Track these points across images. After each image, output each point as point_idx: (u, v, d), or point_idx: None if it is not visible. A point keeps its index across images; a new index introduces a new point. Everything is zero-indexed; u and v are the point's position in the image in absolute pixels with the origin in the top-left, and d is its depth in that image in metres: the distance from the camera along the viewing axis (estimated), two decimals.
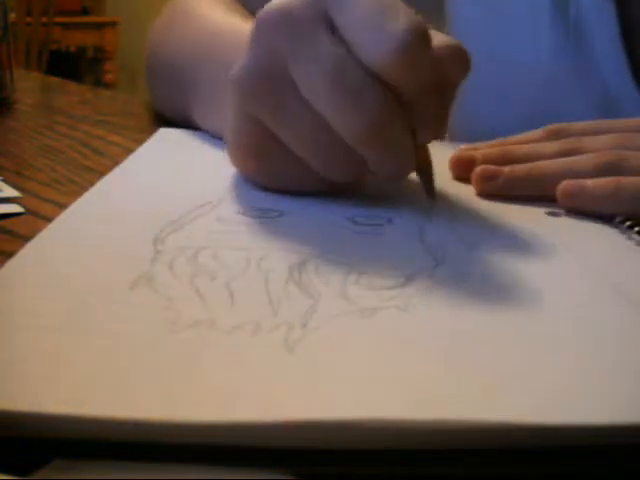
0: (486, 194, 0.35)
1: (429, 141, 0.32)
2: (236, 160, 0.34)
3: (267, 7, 0.30)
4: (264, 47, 0.30)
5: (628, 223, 0.31)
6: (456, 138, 0.46)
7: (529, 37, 0.53)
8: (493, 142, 0.40)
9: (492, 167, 0.36)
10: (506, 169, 0.35)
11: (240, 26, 0.43)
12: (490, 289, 0.25)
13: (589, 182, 0.33)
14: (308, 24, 0.28)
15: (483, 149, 0.38)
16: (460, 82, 0.32)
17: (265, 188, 0.34)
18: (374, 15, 0.27)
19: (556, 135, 0.38)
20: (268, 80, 0.30)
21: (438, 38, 0.31)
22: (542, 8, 0.52)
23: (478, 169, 0.36)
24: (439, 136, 0.32)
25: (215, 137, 0.43)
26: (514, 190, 0.35)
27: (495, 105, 0.52)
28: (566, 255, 0.28)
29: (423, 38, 0.27)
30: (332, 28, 0.28)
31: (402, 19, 0.27)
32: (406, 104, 0.29)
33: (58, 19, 2.79)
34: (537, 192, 0.35)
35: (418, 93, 0.29)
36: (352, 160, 0.30)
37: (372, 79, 0.27)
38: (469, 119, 0.54)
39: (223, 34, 0.43)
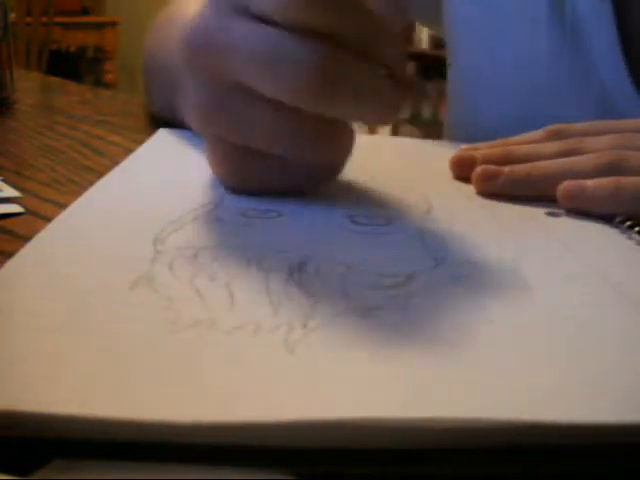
0: (486, 194, 0.35)
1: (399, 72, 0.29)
2: (213, 173, 0.34)
3: (184, 37, 0.30)
4: (199, 79, 0.30)
5: (628, 223, 0.31)
6: (455, 138, 0.46)
7: (526, 37, 0.53)
8: (494, 142, 0.40)
9: (492, 167, 0.36)
10: (506, 169, 0.35)
11: None
12: (490, 289, 0.25)
13: (589, 182, 0.33)
14: (225, 27, 0.28)
15: (483, 149, 0.39)
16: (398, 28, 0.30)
17: (241, 192, 0.34)
18: None
19: (557, 135, 0.38)
20: (214, 104, 0.30)
21: None
22: (539, 8, 0.52)
23: (478, 169, 0.36)
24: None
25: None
26: (514, 190, 0.35)
27: (494, 105, 0.52)
28: (566, 255, 0.28)
29: None
30: (250, 15, 0.28)
31: None
32: (345, 49, 0.27)
33: (58, 19, 2.79)
34: (537, 192, 0.35)
35: (355, 32, 0.28)
36: (324, 136, 0.29)
37: (293, 39, 0.27)
38: (468, 119, 0.54)
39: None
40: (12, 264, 0.24)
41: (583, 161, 0.34)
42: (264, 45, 0.27)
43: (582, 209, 0.33)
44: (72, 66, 3.22)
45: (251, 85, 0.28)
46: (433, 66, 2.85)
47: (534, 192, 0.35)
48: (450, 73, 0.62)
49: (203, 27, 0.29)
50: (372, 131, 3.22)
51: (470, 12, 0.57)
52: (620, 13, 0.49)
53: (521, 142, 0.39)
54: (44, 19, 2.62)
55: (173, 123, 0.50)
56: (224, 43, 0.28)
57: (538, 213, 0.33)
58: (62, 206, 0.32)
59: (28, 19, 2.57)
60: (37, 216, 0.32)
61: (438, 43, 2.80)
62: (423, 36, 3.03)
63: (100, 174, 0.36)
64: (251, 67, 0.28)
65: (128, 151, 0.42)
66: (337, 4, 0.27)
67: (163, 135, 0.47)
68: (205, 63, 0.29)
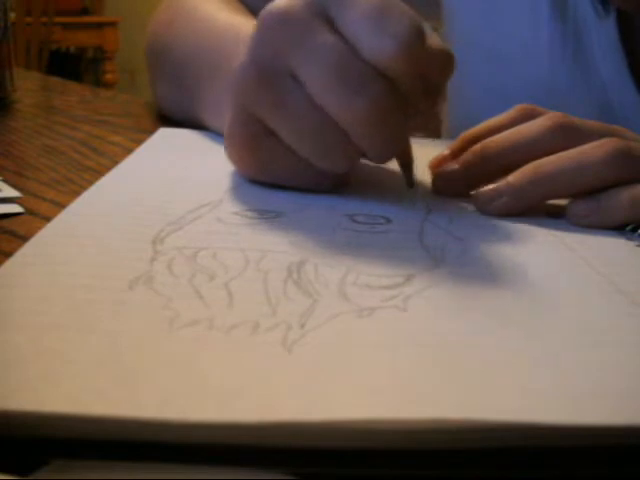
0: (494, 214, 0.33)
1: (418, 126, 0.34)
2: (231, 152, 0.35)
3: (269, 7, 0.31)
4: (265, 46, 0.31)
5: (630, 227, 0.31)
6: (455, 136, 0.46)
7: (527, 36, 0.53)
8: (465, 137, 0.38)
9: (491, 188, 0.33)
10: (507, 182, 0.33)
11: (241, 24, 0.43)
12: (489, 289, 0.25)
13: (602, 200, 0.32)
14: (309, 23, 0.29)
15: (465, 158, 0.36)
16: (445, 86, 0.34)
17: (256, 181, 0.35)
18: (375, 13, 0.29)
19: (530, 114, 0.36)
20: (267, 77, 0.31)
21: (430, 40, 0.32)
22: (540, 8, 0.52)
23: (477, 193, 0.34)
24: (429, 128, 0.35)
25: (219, 135, 0.44)
26: (522, 207, 0.33)
27: (494, 104, 0.52)
28: (566, 255, 0.28)
29: (421, 36, 0.29)
30: (333, 27, 0.30)
31: (403, 18, 0.28)
32: (402, 95, 0.31)
33: (58, 19, 2.79)
34: (547, 199, 0.34)
35: (416, 89, 0.31)
36: (350, 150, 0.31)
37: (372, 71, 0.29)
38: (467, 118, 0.54)
39: (224, 32, 0.44)
40: (12, 264, 0.24)
41: (590, 151, 0.32)
42: (334, 58, 0.29)
43: (596, 226, 0.32)
44: (72, 66, 3.22)
45: (312, 90, 0.30)
46: None
47: (542, 201, 0.34)
48: None
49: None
50: None
51: (470, 10, 0.57)
52: (622, 17, 0.49)
53: (495, 128, 0.36)
54: (44, 19, 2.62)
55: (175, 120, 0.51)
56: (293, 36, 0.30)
57: (538, 213, 0.33)
58: (62, 206, 0.32)
59: (28, 19, 2.57)
60: (37, 216, 0.32)
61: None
62: None
63: (100, 174, 0.36)
64: (322, 77, 0.29)
65: (128, 151, 0.42)
66: (420, 62, 0.30)
67: (163, 135, 0.47)
68: (275, 37, 0.30)
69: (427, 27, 0.32)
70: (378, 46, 0.28)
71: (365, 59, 0.29)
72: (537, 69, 0.53)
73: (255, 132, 0.32)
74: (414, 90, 0.31)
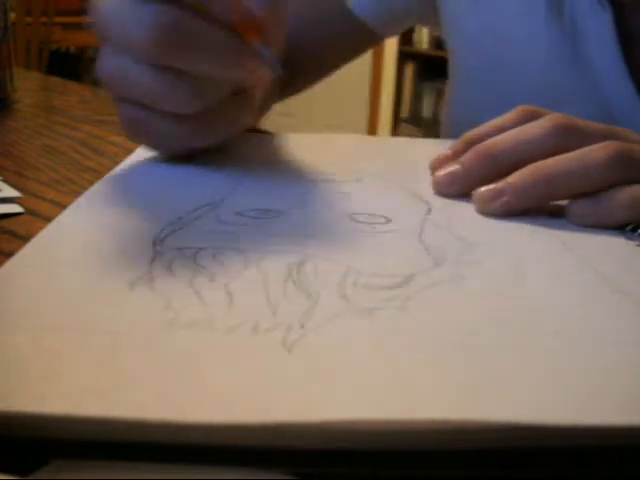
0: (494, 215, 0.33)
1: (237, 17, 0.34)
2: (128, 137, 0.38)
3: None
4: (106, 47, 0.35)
5: (630, 227, 0.31)
6: (455, 137, 0.46)
7: (525, 39, 0.53)
8: (466, 138, 0.38)
9: (491, 188, 0.33)
10: (505, 187, 0.33)
11: None
12: (489, 289, 0.25)
13: (602, 200, 0.32)
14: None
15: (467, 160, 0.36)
16: None
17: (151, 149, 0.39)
18: None
19: (531, 116, 0.35)
20: (114, 71, 0.34)
21: None
22: (537, 8, 0.52)
23: (478, 193, 0.34)
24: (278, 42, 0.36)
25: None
26: (525, 206, 0.33)
27: (492, 106, 0.52)
28: (566, 254, 0.28)
29: None
30: None
31: None
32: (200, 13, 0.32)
33: (58, 19, 2.79)
34: (547, 201, 0.33)
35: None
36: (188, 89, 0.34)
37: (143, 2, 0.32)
38: (467, 119, 0.54)
39: None
40: (12, 264, 0.24)
41: (592, 153, 0.32)
42: (115, 6, 0.33)
43: (596, 226, 0.32)
44: (72, 66, 3.22)
45: (111, 43, 0.34)
46: (433, 66, 2.85)
47: (543, 202, 0.33)
48: (449, 72, 0.62)
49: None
50: (372, 131, 3.23)
51: (468, 14, 0.57)
52: (619, 13, 0.49)
53: (497, 129, 0.36)
54: (44, 19, 2.62)
55: None
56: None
57: (537, 212, 0.33)
58: (62, 206, 0.32)
59: (28, 19, 2.57)
60: (37, 216, 0.32)
61: (438, 43, 2.80)
62: (423, 36, 3.03)
63: (100, 174, 0.36)
64: (107, 27, 0.33)
65: (128, 151, 0.42)
66: None
67: None
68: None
69: None
70: None
71: None
72: (535, 69, 0.53)
73: (126, 113, 0.36)
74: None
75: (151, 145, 0.39)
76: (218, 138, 0.38)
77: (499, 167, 0.34)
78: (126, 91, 0.35)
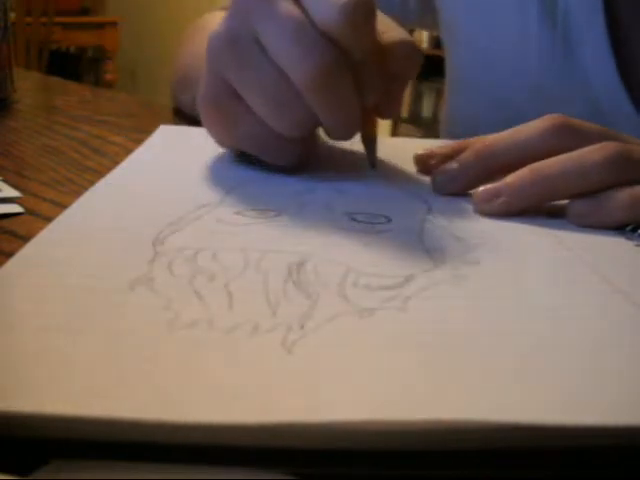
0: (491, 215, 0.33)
1: (371, 103, 0.35)
2: (202, 115, 0.37)
3: None
4: (235, 16, 0.34)
5: (629, 227, 0.31)
6: (450, 136, 0.46)
7: (517, 40, 0.53)
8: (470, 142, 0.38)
9: (490, 188, 0.33)
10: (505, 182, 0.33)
11: None
12: (488, 289, 0.25)
13: (602, 200, 0.32)
14: None
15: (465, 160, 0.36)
16: (411, 76, 0.37)
17: (221, 144, 0.39)
18: None
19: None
20: (235, 42, 0.34)
21: (392, 33, 0.36)
22: (530, 9, 0.52)
23: (476, 192, 0.34)
24: (391, 114, 0.38)
25: None
26: (522, 207, 0.33)
27: (484, 107, 0.52)
28: (565, 255, 0.28)
29: (364, 4, 0.31)
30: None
31: None
32: (353, 66, 0.33)
33: (58, 19, 2.79)
34: (545, 201, 0.33)
35: (363, 57, 0.33)
36: (303, 114, 0.34)
37: (325, 38, 0.32)
38: (463, 118, 0.54)
39: None
40: (12, 264, 0.24)
41: (590, 154, 0.32)
42: (292, 25, 0.32)
43: (596, 226, 0.32)
44: (72, 66, 3.22)
45: (271, 51, 0.33)
46: (433, 66, 2.84)
47: (541, 202, 0.33)
48: (447, 72, 0.63)
49: None
50: None
51: (464, 15, 0.57)
52: (611, 15, 0.49)
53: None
54: (44, 19, 2.62)
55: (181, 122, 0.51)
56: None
57: (537, 212, 0.33)
58: (62, 206, 0.32)
59: (28, 19, 2.57)
60: (37, 216, 0.32)
61: (438, 43, 2.80)
62: (423, 36, 3.03)
63: (100, 174, 0.36)
64: (280, 39, 0.32)
65: (128, 151, 0.42)
66: (367, 33, 0.33)
67: (163, 132, 0.47)
68: (245, 7, 0.33)
69: (392, 20, 0.37)
70: (324, 11, 0.32)
71: (317, 25, 0.32)
72: (527, 69, 0.53)
73: (222, 93, 0.35)
74: (367, 66, 0.34)
75: (262, 156, 0.38)
76: (309, 156, 0.39)
77: (497, 165, 0.35)
78: (247, 83, 0.34)
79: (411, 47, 0.36)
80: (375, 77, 0.34)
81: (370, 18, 0.33)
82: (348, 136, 0.36)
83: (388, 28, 0.36)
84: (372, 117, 0.38)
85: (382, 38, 0.35)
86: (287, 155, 0.36)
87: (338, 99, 0.33)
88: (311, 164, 0.38)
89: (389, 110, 0.38)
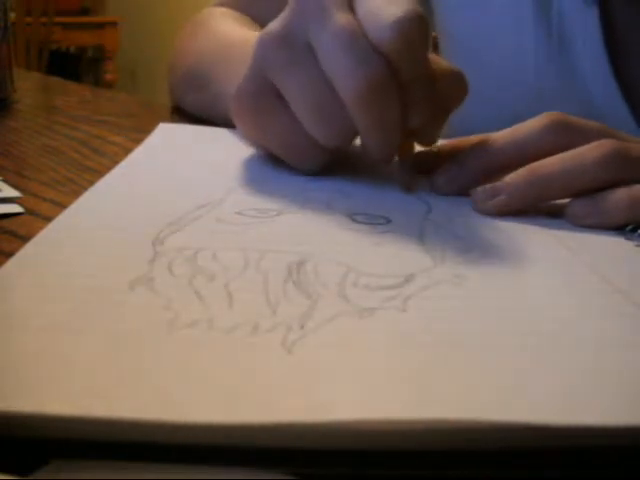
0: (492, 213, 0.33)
1: (415, 126, 0.34)
2: (236, 110, 0.37)
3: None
4: (291, 17, 0.33)
5: (629, 227, 0.31)
6: (449, 136, 0.46)
7: (513, 42, 0.54)
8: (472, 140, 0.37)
9: (489, 187, 0.34)
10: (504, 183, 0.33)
11: (254, 37, 0.44)
12: (489, 289, 0.25)
13: (601, 201, 0.32)
14: (330, 3, 0.33)
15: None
16: (456, 106, 0.36)
17: (252, 145, 0.38)
18: (384, 3, 0.32)
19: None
20: (286, 42, 0.33)
21: (443, 62, 0.35)
22: (524, 9, 0.52)
23: (475, 192, 0.34)
24: (431, 142, 0.37)
25: (220, 129, 0.47)
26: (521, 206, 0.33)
27: (480, 108, 0.52)
28: (565, 255, 0.28)
29: (419, 23, 0.31)
30: (350, 6, 0.33)
31: (404, 6, 0.31)
32: (402, 86, 0.32)
33: (58, 19, 2.79)
34: (543, 201, 0.33)
35: (413, 76, 0.32)
36: (344, 124, 0.33)
37: (376, 53, 0.31)
38: (455, 119, 0.54)
39: (240, 46, 0.48)
40: (12, 264, 0.24)
41: (588, 152, 0.32)
42: (345, 34, 0.31)
43: (595, 227, 0.32)
44: (72, 66, 3.22)
45: (321, 58, 0.32)
46: None
47: (541, 201, 0.33)
48: None
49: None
50: None
51: (456, 15, 0.57)
52: (606, 16, 0.49)
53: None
54: (44, 19, 2.62)
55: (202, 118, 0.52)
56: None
57: (537, 212, 0.33)
58: (62, 206, 0.32)
59: (28, 19, 2.57)
60: (37, 216, 0.32)
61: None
62: None
63: (100, 174, 0.36)
64: (332, 48, 0.32)
65: (128, 151, 0.42)
66: (419, 52, 0.32)
67: (163, 131, 0.47)
68: (302, 11, 0.33)
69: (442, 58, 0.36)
70: (378, 26, 0.31)
71: (369, 39, 0.31)
72: (522, 69, 0.53)
73: (263, 90, 0.35)
74: (416, 88, 0.33)
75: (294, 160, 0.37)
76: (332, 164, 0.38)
77: (496, 164, 0.35)
78: (290, 84, 0.34)
79: (462, 78, 0.36)
80: (423, 100, 0.33)
81: (423, 37, 0.32)
82: (385, 157, 0.35)
83: (437, 58, 0.36)
84: (410, 141, 0.37)
85: (433, 63, 0.34)
86: (313, 162, 0.36)
87: (382, 117, 0.32)
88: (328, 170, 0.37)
89: (430, 137, 0.37)
